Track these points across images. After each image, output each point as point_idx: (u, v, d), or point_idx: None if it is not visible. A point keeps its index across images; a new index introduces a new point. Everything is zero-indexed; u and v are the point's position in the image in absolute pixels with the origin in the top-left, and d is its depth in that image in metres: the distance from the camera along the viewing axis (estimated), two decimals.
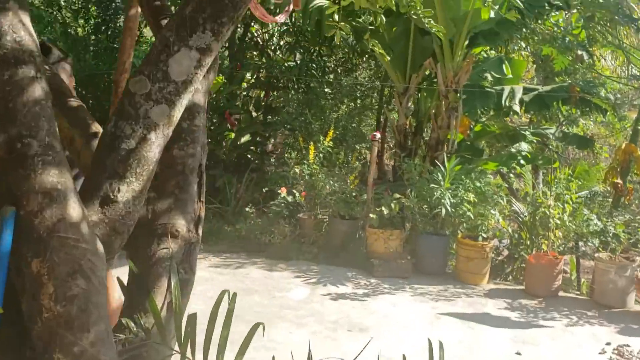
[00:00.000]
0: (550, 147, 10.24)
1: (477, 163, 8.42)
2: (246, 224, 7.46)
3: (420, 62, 8.63)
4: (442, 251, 6.76)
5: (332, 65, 10.17)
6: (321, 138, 7.53)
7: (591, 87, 9.48)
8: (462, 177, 7.00)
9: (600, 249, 6.32)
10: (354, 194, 7.51)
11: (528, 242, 6.71)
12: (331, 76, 9.80)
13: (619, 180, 7.58)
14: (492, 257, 6.75)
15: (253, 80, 10.18)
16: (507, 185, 9.09)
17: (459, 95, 8.33)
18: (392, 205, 6.65)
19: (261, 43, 10.42)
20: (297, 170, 7.47)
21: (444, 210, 6.46)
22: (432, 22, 5.77)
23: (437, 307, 5.71)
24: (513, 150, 9.84)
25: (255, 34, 10.30)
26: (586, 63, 11.15)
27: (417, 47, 8.73)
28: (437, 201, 6.55)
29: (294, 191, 7.47)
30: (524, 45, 11.88)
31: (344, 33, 5.48)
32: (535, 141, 8.43)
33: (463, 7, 7.75)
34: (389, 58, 8.88)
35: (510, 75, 9.36)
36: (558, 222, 6.24)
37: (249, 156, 9.50)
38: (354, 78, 10.14)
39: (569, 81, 10.65)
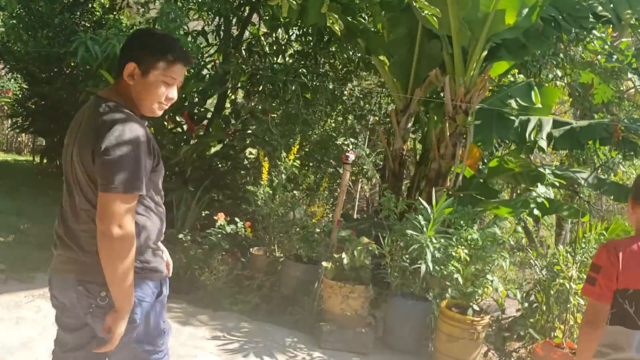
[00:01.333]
0: (582, 195, 8.37)
1: (485, 206, 6.63)
2: (178, 255, 5.77)
3: (426, 72, 6.92)
4: (420, 321, 4.98)
5: (330, 73, 8.48)
6: (283, 155, 5.83)
7: (639, 127, 7.65)
8: (461, 223, 5.24)
9: None
10: (317, 230, 5.79)
11: (542, 319, 4.88)
12: (329, 85, 8.11)
13: None
14: (489, 333, 4.95)
15: (239, 84, 8.57)
16: (524, 235, 7.29)
17: (469, 118, 6.59)
18: (356, 252, 4.90)
19: (254, 42, 8.82)
20: (251, 190, 5.79)
21: (423, 267, 4.69)
22: (425, 2, 4.08)
23: None
24: (534, 193, 8.04)
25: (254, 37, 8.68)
26: (634, 99, 9.31)
27: (423, 53, 7.04)
28: (418, 253, 4.80)
29: (237, 219, 5.77)
30: (559, 74, 10.12)
31: (337, 27, 3.89)
32: (558, 185, 6.59)
33: (482, 7, 6.03)
34: (387, 64, 7.18)
35: (540, 105, 7.58)
36: (582, 302, 4.43)
37: (220, 169, 7.86)
38: (350, 89, 8.45)
39: (611, 117, 8.83)
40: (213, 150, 8.01)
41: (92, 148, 2.00)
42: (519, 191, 9.87)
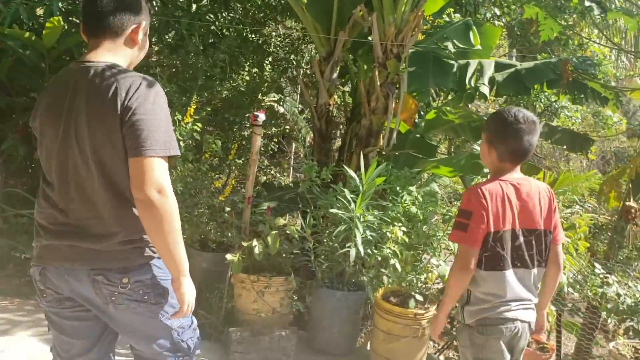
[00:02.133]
0: (538, 152, 7.59)
1: (423, 166, 5.74)
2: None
3: (350, 11, 5.86)
4: (353, 317, 4.06)
5: (241, 18, 7.26)
6: (178, 118, 4.68)
7: (589, 66, 6.87)
8: (397, 190, 4.31)
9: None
10: (227, 209, 4.75)
11: None
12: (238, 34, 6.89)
13: (632, 203, 4.96)
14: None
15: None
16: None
17: (402, 64, 5.62)
18: (270, 238, 3.90)
19: None
20: None
21: (353, 252, 3.74)
22: None
23: None
24: (476, 148, 7.21)
25: None
26: (582, 34, 8.54)
27: None
28: (345, 235, 3.84)
29: None
30: (498, 12, 9.26)
31: None
32: None
33: None
34: (304, 2, 6.06)
35: (479, 47, 6.67)
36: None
37: None
38: (267, 36, 7.27)
39: (558, 56, 8.04)
40: None
41: (117, 112, 1.83)
42: (457, 144, 9.08)
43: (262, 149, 7.57)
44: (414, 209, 3.88)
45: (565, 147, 6.34)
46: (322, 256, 4.22)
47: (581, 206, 5.10)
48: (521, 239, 2.37)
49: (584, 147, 6.21)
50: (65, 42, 6.18)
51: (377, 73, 5.53)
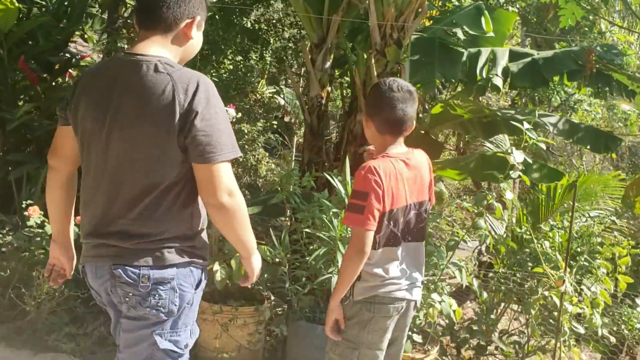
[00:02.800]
0: (552, 148, 6.84)
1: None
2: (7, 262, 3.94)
3: None
4: None
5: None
6: None
7: (615, 56, 6.12)
8: None
9: None
10: None
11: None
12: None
13: None
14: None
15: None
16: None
17: (403, 51, 4.89)
18: (234, 260, 3.18)
19: None
20: None
21: (334, 280, 3.01)
22: None
23: None
24: (488, 147, 6.44)
25: None
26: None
27: None
28: (327, 258, 3.12)
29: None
30: None
31: None
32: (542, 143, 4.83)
33: None
34: None
35: (491, 34, 5.98)
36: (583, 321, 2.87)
37: None
38: (255, 20, 6.51)
39: (581, 44, 7.28)
40: None
41: (175, 115, 1.77)
42: (467, 140, 8.34)
43: (262, 143, 6.89)
44: None
45: (588, 147, 5.59)
46: (304, 279, 3.51)
47: (612, 218, 4.34)
48: (412, 212, 2.39)
49: (609, 147, 5.45)
50: (25, 25, 5.50)
51: (374, 62, 4.80)
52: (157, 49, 1.89)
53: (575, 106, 8.90)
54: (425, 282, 3.08)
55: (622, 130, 10.28)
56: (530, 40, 9.75)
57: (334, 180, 3.42)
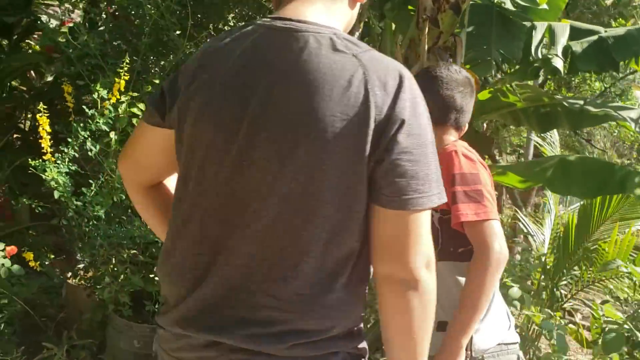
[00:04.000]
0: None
1: None
2: None
3: None
4: None
5: None
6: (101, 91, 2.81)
7: None
8: None
9: None
10: None
11: None
12: None
13: None
14: None
15: None
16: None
17: (461, 21, 3.76)
18: None
19: None
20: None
21: None
22: None
23: None
24: (537, 142, 5.34)
25: None
26: None
27: None
28: None
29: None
30: None
31: None
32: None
33: None
34: None
35: (545, 6, 4.96)
36: None
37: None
38: None
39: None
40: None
41: (369, 124, 1.08)
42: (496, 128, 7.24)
43: None
44: None
45: None
46: None
47: None
48: None
49: None
50: None
51: (425, 32, 3.65)
52: (319, 15, 1.18)
53: (624, 93, 7.89)
54: None
55: None
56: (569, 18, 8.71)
57: None
